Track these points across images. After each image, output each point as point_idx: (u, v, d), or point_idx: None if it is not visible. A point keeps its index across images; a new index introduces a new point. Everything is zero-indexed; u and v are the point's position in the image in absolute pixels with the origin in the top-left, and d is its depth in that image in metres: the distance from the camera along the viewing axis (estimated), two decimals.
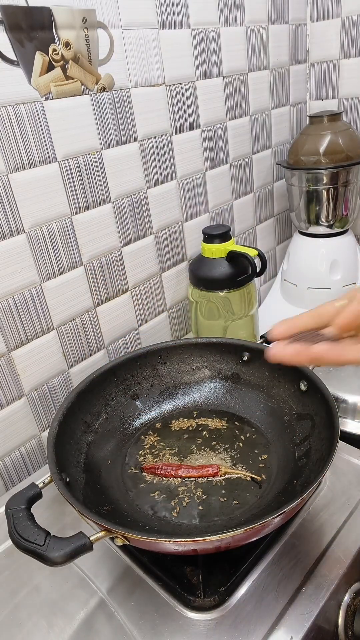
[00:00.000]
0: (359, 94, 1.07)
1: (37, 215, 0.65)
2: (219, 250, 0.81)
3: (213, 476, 0.58)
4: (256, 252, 0.80)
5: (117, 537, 0.42)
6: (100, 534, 0.42)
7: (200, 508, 0.55)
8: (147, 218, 0.81)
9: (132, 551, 0.55)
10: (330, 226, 1.05)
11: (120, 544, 0.43)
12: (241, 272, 0.82)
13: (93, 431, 0.62)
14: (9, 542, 0.56)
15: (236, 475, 0.58)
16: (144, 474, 0.60)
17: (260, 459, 0.60)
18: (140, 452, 0.63)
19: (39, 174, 0.64)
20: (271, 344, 0.43)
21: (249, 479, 0.58)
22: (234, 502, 0.55)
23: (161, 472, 0.59)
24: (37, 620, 0.49)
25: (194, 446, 0.63)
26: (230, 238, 0.82)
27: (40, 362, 0.71)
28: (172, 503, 0.56)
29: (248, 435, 0.64)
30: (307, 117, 1.03)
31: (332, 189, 0.99)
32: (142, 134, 0.76)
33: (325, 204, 1.02)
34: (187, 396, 0.71)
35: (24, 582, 0.53)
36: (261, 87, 0.99)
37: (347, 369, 0.77)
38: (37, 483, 0.47)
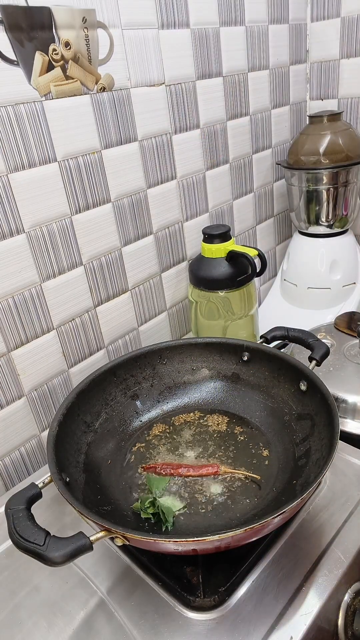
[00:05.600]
0: (359, 94, 1.07)
1: (37, 215, 0.65)
2: (219, 250, 0.81)
3: (213, 475, 0.58)
4: (256, 252, 0.80)
5: (117, 537, 0.42)
6: (100, 534, 0.42)
7: (200, 508, 0.55)
8: (147, 218, 0.81)
9: (132, 551, 0.55)
10: (330, 226, 1.05)
11: (120, 544, 0.43)
12: (241, 272, 0.82)
13: (93, 431, 0.62)
14: (9, 542, 0.56)
15: (236, 475, 0.58)
16: (144, 473, 0.60)
17: (260, 458, 0.60)
18: (140, 452, 0.63)
19: (39, 174, 0.64)
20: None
21: (248, 478, 0.58)
22: (234, 502, 0.55)
23: (161, 471, 0.59)
24: (37, 620, 0.49)
25: (193, 445, 0.63)
26: (230, 238, 0.82)
27: (40, 362, 0.71)
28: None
29: (248, 435, 0.64)
30: (307, 117, 1.03)
31: (332, 189, 0.99)
32: (142, 133, 0.76)
33: (325, 204, 1.02)
34: (187, 396, 0.71)
35: (24, 582, 0.53)
36: (261, 87, 0.99)
37: (347, 368, 0.77)
38: (37, 483, 0.47)
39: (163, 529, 0.52)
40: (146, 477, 0.58)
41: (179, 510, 0.54)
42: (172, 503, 0.55)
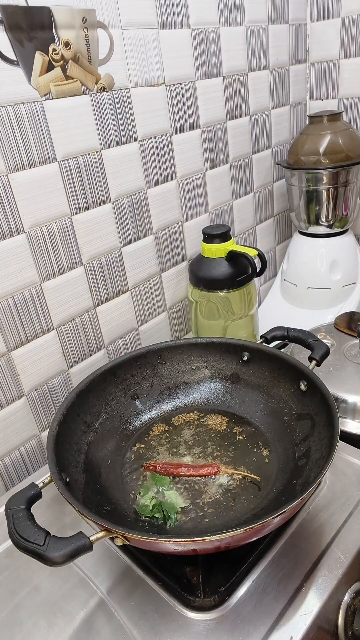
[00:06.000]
0: (359, 94, 1.07)
1: (37, 215, 0.65)
2: (219, 250, 0.81)
3: (213, 475, 0.58)
4: (256, 252, 0.80)
5: (117, 537, 0.42)
6: (100, 534, 0.42)
7: (200, 508, 0.55)
8: (147, 218, 0.81)
9: (132, 551, 0.55)
10: (330, 226, 1.05)
11: (120, 544, 0.43)
12: (241, 272, 0.82)
13: (93, 431, 0.62)
14: (9, 542, 0.56)
15: (236, 475, 0.58)
16: (145, 473, 0.60)
17: (260, 458, 0.60)
18: (140, 452, 0.63)
19: (39, 174, 0.64)
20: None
21: (248, 479, 0.57)
22: (234, 502, 0.55)
23: (161, 471, 0.59)
24: (37, 620, 0.49)
25: (193, 445, 0.63)
26: (230, 238, 0.82)
27: (40, 362, 0.71)
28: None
29: (248, 435, 0.64)
30: (307, 117, 1.03)
31: (332, 189, 0.99)
32: (142, 133, 0.76)
33: (325, 204, 1.02)
34: (187, 396, 0.71)
35: (24, 582, 0.53)
36: (261, 87, 0.99)
37: (347, 368, 0.77)
38: (37, 483, 0.47)
39: (167, 526, 0.52)
40: (150, 475, 0.59)
41: (181, 508, 0.54)
42: (175, 500, 0.55)
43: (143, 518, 0.54)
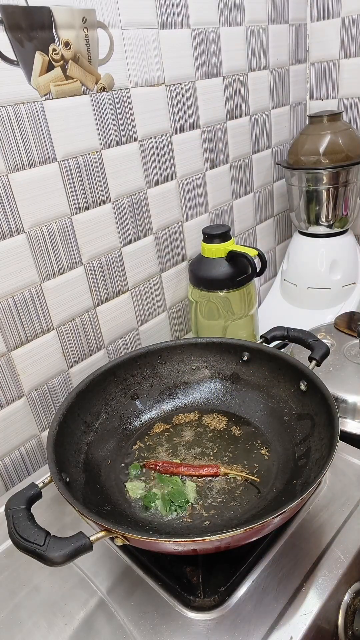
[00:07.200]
0: (359, 94, 1.07)
1: (37, 215, 0.65)
2: (218, 250, 0.81)
3: (213, 476, 0.58)
4: (256, 252, 0.80)
5: (117, 537, 0.42)
6: (100, 534, 0.42)
7: (200, 508, 0.55)
8: (147, 218, 0.81)
9: (132, 551, 0.55)
10: (330, 226, 1.05)
11: (120, 544, 0.43)
12: (241, 272, 0.82)
13: (93, 431, 0.62)
14: (9, 542, 0.56)
15: (236, 475, 0.58)
16: (151, 472, 0.60)
17: (260, 458, 0.60)
18: (140, 452, 0.63)
19: (39, 173, 0.64)
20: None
21: (248, 479, 0.57)
22: (234, 502, 0.55)
23: (161, 470, 0.59)
24: (37, 620, 0.49)
25: (193, 445, 0.63)
26: (230, 238, 0.82)
27: (40, 362, 0.71)
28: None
29: (248, 435, 0.64)
30: (307, 117, 1.04)
31: (332, 189, 0.99)
32: (142, 133, 0.76)
33: (325, 204, 1.02)
34: (187, 396, 0.71)
35: (24, 582, 0.53)
36: (261, 87, 0.99)
37: (347, 368, 0.77)
38: (37, 483, 0.47)
39: (181, 512, 0.53)
40: (157, 477, 0.58)
41: (189, 502, 0.55)
42: (190, 492, 0.56)
43: (149, 512, 0.54)
